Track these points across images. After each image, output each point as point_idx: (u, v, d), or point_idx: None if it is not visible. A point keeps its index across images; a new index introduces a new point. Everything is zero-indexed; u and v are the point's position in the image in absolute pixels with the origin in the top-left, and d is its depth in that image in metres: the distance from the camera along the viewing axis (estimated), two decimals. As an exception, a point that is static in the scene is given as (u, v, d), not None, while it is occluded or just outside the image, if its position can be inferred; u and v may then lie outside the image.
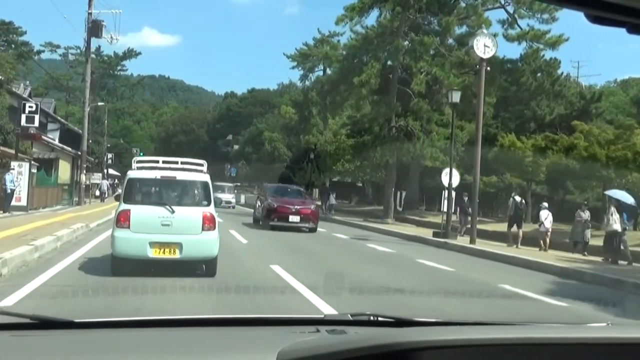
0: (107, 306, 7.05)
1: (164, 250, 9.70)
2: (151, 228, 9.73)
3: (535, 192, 33.12)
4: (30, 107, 26.10)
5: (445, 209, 21.40)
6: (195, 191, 10.49)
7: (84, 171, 33.42)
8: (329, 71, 54.67)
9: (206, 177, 10.55)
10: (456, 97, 21.39)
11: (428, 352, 1.32)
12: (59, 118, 39.90)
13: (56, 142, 37.45)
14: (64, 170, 35.16)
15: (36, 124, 26.23)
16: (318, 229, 24.74)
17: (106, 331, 2.27)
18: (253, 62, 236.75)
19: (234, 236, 18.20)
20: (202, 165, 10.89)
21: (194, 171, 10.70)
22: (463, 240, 20.04)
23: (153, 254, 9.64)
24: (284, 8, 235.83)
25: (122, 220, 9.80)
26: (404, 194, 43.23)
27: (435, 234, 21.29)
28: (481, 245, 18.93)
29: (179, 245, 9.70)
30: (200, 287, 8.96)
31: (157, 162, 11.01)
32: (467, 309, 8.45)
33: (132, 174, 10.48)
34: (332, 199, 44.62)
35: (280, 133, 63.14)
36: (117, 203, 10.60)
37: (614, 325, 2.14)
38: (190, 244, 9.76)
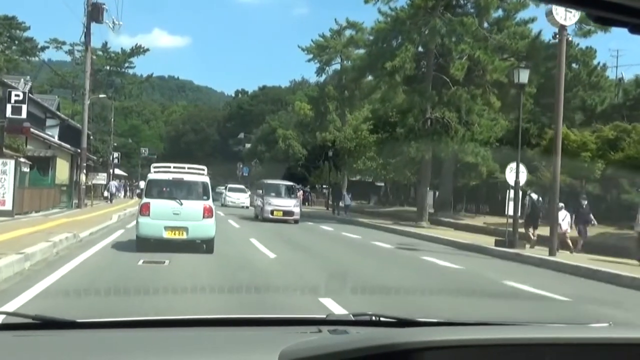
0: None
1: (175, 232, 12.56)
2: (165, 216, 12.56)
3: (587, 190, 29.14)
4: (16, 95, 22.34)
5: (511, 212, 17.50)
6: (198, 189, 13.23)
7: (84, 170, 29.72)
8: (346, 64, 51.14)
9: (206, 179, 13.50)
10: (524, 76, 17.55)
11: (430, 352, 1.30)
12: (58, 113, 36.26)
13: (55, 139, 33.80)
14: (62, 170, 31.47)
15: (24, 115, 22.47)
16: (350, 235, 20.94)
17: (108, 331, 2.24)
18: (262, 62, 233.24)
19: None
20: (203, 169, 13.85)
21: (197, 174, 13.58)
22: (538, 251, 16.19)
23: (167, 235, 12.53)
24: (293, 9, 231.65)
25: (144, 210, 12.71)
26: (436, 193, 39.28)
27: (498, 243, 17.42)
28: (566, 258, 15.05)
29: (186, 229, 12.55)
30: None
31: (169, 167, 13.92)
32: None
33: (151, 176, 13.59)
34: (348, 199, 40.90)
35: (295, 130, 59.24)
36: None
37: (615, 326, 2.07)
38: (194, 228, 12.61)
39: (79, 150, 30.53)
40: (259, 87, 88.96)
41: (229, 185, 46.83)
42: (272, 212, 26.05)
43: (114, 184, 47.15)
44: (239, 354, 1.86)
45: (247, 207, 39.65)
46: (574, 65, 36.82)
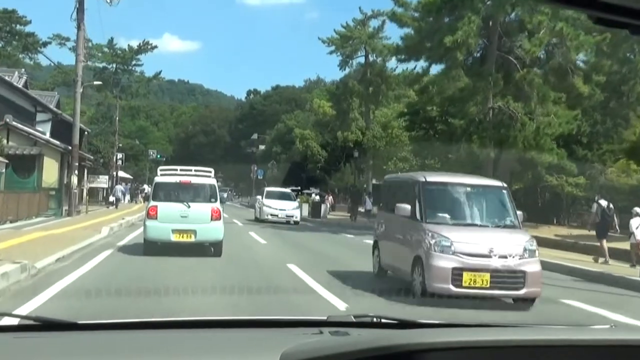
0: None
1: (183, 235, 12.33)
2: (173, 219, 12.38)
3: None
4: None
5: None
6: (205, 192, 13.00)
7: (76, 171, 24.35)
8: (371, 57, 45.76)
9: (213, 181, 13.45)
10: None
11: (431, 354, 1.29)
12: (50, 107, 30.88)
13: (46, 136, 28.46)
14: (50, 170, 26.09)
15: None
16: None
17: (109, 333, 2.18)
18: (273, 67, 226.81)
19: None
20: (210, 172, 13.78)
21: (204, 177, 13.43)
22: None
23: (174, 238, 12.31)
24: (303, 14, 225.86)
25: (151, 213, 12.48)
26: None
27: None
28: None
29: (194, 232, 12.33)
30: None
31: (176, 170, 13.85)
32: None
33: (158, 179, 13.38)
34: (369, 203, 35.46)
35: (313, 130, 53.71)
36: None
37: (617, 328, 2.04)
38: (202, 231, 12.39)
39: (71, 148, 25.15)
40: (272, 86, 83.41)
41: (267, 189, 30.84)
42: (457, 276, 8.39)
43: (119, 187, 41.89)
44: (240, 356, 1.81)
45: (297, 223, 27.30)
46: (629, 54, 31.34)
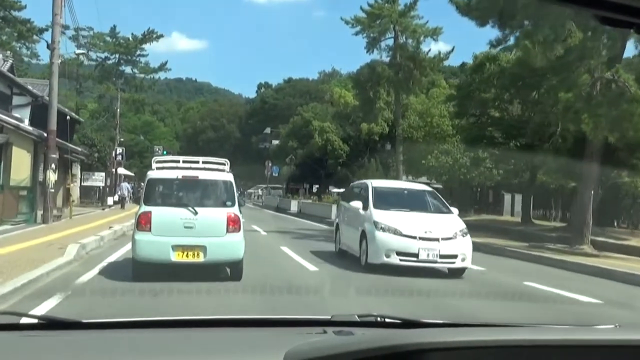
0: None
1: (187, 253, 8.83)
2: (173, 230, 8.89)
3: None
4: None
5: None
6: (219, 191, 9.48)
7: (52, 165, 18.50)
8: (401, 39, 39.82)
9: (229, 177, 9.53)
10: None
11: (435, 353, 1.26)
12: (30, 89, 25.00)
13: (25, 123, 22.61)
14: (22, 164, 20.19)
15: None
16: (549, 289, 9.47)
17: (114, 332, 2.13)
18: (281, 65, 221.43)
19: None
20: (224, 164, 9.86)
21: (216, 170, 9.71)
22: None
23: (176, 257, 8.79)
24: (311, 12, 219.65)
25: (143, 222, 8.94)
26: (514, 198, 27.68)
27: None
28: None
29: (203, 248, 8.82)
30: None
31: (178, 161, 10.05)
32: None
33: (152, 174, 9.53)
34: None
35: (333, 123, 47.80)
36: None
37: (622, 327, 1.98)
38: (215, 247, 8.86)
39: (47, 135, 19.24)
40: (284, 79, 77.47)
41: (375, 185, 12.66)
42: None
43: (125, 185, 36.47)
44: (244, 355, 1.77)
45: (463, 271, 10.90)
46: None
